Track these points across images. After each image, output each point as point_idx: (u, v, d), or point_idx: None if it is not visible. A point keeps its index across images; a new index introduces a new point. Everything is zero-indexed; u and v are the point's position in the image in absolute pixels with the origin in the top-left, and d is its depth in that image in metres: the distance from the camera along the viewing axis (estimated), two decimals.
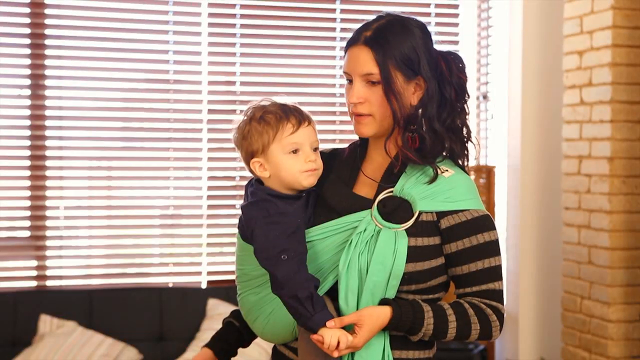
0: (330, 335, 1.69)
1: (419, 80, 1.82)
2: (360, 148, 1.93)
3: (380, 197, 1.81)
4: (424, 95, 1.82)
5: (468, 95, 1.86)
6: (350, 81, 1.84)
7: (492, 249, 1.80)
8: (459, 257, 1.79)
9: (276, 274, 1.72)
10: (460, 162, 1.87)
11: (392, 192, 1.82)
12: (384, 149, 1.85)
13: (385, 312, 1.74)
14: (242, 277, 1.89)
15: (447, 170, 1.82)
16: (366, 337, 1.73)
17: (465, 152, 1.87)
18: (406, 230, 1.77)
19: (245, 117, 1.84)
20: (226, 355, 2.00)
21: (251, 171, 1.86)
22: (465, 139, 1.87)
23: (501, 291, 1.82)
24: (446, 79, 1.83)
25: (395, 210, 1.79)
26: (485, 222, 1.80)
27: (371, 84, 1.81)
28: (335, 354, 1.71)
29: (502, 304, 1.83)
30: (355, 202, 1.83)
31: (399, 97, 1.80)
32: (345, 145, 2.00)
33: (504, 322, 1.83)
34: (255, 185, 1.85)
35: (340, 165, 1.91)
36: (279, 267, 1.72)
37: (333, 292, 1.79)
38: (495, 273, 1.81)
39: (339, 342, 1.69)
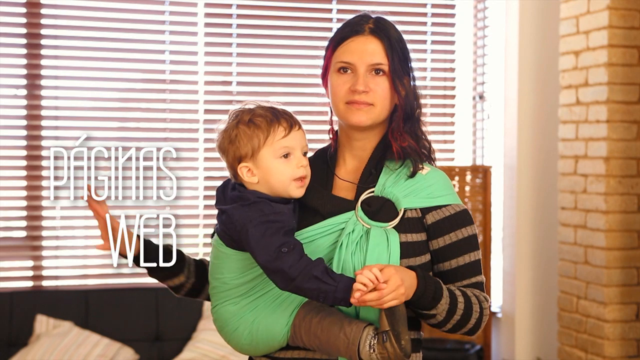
0: (366, 275, 1.60)
1: (406, 80, 1.85)
2: (329, 154, 1.92)
3: (363, 197, 1.81)
4: (407, 93, 1.84)
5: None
6: (344, 70, 1.83)
7: (475, 242, 1.84)
8: (446, 252, 1.81)
9: (282, 267, 1.64)
10: (432, 158, 1.89)
11: (373, 192, 1.82)
12: (390, 137, 1.84)
13: (411, 273, 1.69)
14: (220, 287, 1.80)
15: (422, 168, 1.85)
16: (396, 277, 1.64)
17: (432, 149, 1.90)
18: (394, 227, 1.78)
19: (232, 121, 1.79)
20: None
21: (236, 177, 1.80)
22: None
23: (484, 283, 1.86)
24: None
25: (380, 209, 1.79)
26: (466, 217, 1.84)
27: (374, 74, 1.82)
28: (383, 287, 1.60)
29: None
30: (338, 204, 1.82)
31: (403, 89, 1.83)
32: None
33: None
34: (240, 189, 1.78)
35: (313, 171, 1.86)
36: (282, 260, 1.65)
37: None
38: (479, 266, 1.85)
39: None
